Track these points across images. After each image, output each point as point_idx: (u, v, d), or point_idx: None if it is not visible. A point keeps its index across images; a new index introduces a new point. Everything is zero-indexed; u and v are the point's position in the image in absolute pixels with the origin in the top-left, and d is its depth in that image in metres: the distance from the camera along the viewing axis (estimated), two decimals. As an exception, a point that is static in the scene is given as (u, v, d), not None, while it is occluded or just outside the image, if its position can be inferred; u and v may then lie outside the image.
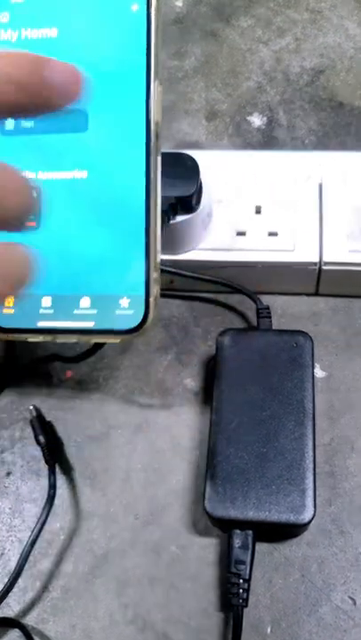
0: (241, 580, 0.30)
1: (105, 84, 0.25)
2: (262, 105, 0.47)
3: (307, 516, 0.30)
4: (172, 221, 0.35)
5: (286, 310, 0.39)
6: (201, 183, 0.35)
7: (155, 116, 0.24)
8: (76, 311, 0.25)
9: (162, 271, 0.37)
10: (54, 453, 0.34)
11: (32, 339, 0.26)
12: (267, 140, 0.45)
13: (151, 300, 0.25)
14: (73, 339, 0.26)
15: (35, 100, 0.19)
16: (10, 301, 0.26)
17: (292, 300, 0.39)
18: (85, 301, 0.25)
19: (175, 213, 0.35)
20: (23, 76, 0.18)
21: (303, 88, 0.47)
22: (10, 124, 0.26)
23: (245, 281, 0.38)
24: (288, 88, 0.48)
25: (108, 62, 0.25)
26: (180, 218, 0.35)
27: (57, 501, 0.33)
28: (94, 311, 0.25)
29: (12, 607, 0.32)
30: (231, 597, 0.30)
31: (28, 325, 0.26)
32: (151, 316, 0.25)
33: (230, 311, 0.39)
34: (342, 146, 0.44)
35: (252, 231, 0.38)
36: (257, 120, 0.46)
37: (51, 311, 0.26)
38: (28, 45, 0.25)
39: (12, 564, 0.33)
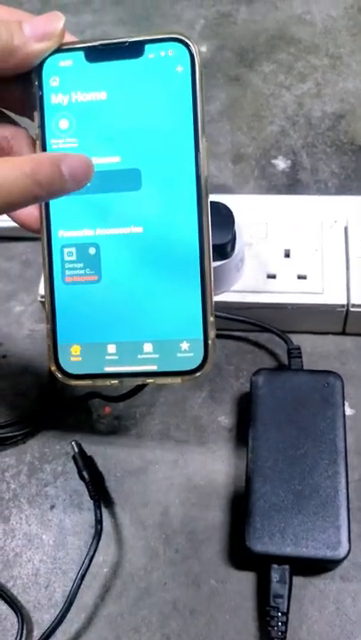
0: (280, 614, 0.31)
1: (155, 143, 0.27)
2: (286, 148, 0.49)
3: (342, 551, 0.31)
4: (207, 267, 0.37)
5: (315, 349, 0.40)
6: (235, 231, 0.37)
7: (204, 170, 0.26)
8: (139, 356, 0.27)
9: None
10: (97, 488, 0.35)
11: (99, 383, 0.28)
12: (291, 183, 0.47)
13: (210, 342, 0.27)
14: (137, 381, 0.28)
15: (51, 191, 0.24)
16: (77, 350, 0.28)
17: (319, 338, 0.41)
18: (148, 347, 0.27)
19: (211, 260, 0.37)
20: (46, 175, 0.23)
21: (325, 132, 0.50)
22: None
23: (275, 321, 0.40)
24: (310, 132, 0.50)
25: (156, 122, 0.26)
26: (215, 264, 0.37)
27: (100, 535, 0.34)
28: (157, 355, 0.27)
29: (58, 638, 0.33)
30: (270, 630, 0.31)
31: (96, 371, 0.28)
32: (210, 357, 0.27)
33: (261, 349, 0.41)
34: (364, 189, 0.46)
35: (282, 274, 0.39)
36: (281, 163, 0.49)
37: (116, 357, 0.27)
38: (78, 108, 0.28)
39: (57, 596, 0.34)
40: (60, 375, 0.28)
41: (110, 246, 0.27)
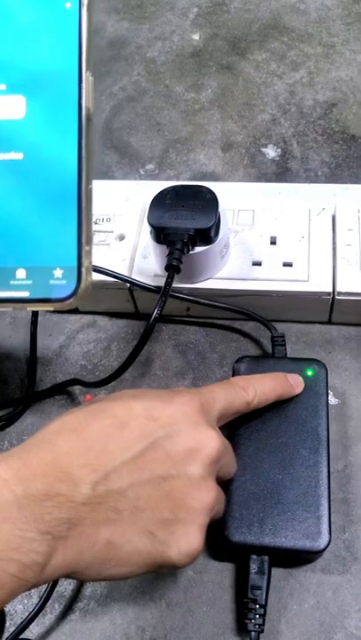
0: (257, 606, 0.30)
1: (41, 74, 0.27)
2: (276, 137, 0.49)
3: (322, 542, 0.30)
4: (190, 252, 0.36)
5: (300, 338, 0.40)
6: (220, 216, 0.36)
7: (86, 101, 0.27)
8: (12, 282, 0.27)
9: (179, 299, 0.38)
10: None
11: None
12: (281, 172, 0.47)
13: (83, 270, 0.27)
14: (9, 307, 0.28)
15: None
16: None
17: (305, 327, 0.40)
18: (21, 272, 0.27)
19: (194, 245, 0.36)
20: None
21: (316, 121, 0.49)
22: None
23: (260, 309, 0.39)
24: (301, 120, 0.49)
25: (44, 54, 0.27)
26: (198, 249, 0.36)
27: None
28: (30, 282, 0.27)
29: (31, 630, 0.33)
30: (248, 623, 0.30)
31: None
32: (83, 285, 0.27)
33: (245, 338, 0.40)
34: (354, 178, 0.46)
35: (268, 261, 0.39)
36: (271, 152, 0.48)
37: None
38: None
39: (32, 586, 0.34)
40: None
41: None
